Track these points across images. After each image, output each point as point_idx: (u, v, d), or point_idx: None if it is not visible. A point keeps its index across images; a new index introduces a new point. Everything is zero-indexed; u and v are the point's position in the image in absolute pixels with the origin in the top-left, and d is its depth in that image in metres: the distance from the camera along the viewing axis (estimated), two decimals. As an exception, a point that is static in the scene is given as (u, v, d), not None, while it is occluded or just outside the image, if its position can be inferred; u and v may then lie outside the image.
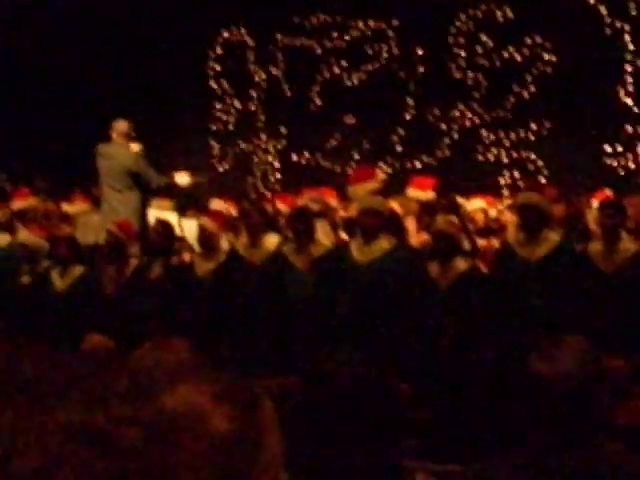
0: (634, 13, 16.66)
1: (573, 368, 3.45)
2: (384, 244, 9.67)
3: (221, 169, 19.05)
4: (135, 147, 12.42)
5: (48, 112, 17.72)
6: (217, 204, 12.77)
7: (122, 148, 12.47)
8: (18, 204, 13.18)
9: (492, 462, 3.58)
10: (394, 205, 11.82)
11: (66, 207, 13.80)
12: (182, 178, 13.07)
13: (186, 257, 11.42)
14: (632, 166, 16.45)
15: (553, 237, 9.69)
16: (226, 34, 19.36)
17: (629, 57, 16.71)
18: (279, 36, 19.03)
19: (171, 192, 13.36)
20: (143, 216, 12.39)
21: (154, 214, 12.41)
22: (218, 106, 19.41)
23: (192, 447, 1.79)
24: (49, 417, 1.14)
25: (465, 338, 8.97)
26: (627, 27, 16.71)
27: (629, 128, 16.60)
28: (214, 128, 19.22)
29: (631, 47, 16.69)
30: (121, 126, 12.48)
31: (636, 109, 16.61)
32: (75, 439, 1.14)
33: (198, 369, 4.05)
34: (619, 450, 3.70)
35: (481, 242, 11.43)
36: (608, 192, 12.81)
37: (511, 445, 3.74)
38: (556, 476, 3.36)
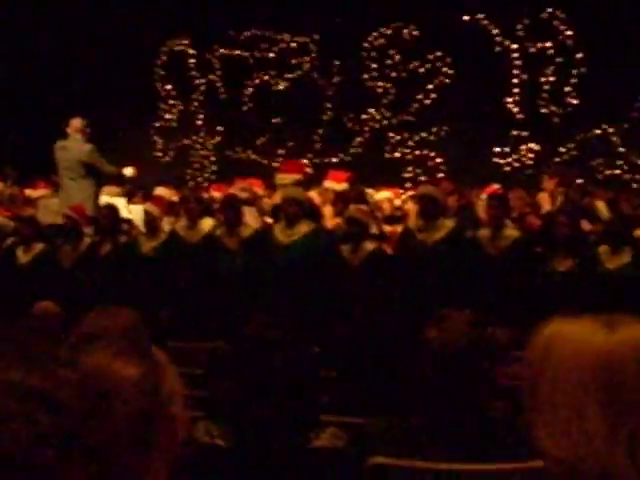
0: (521, 34, 16.89)
1: (460, 336, 3.58)
2: (304, 228, 9.81)
3: (164, 161, 18.93)
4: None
5: (13, 112, 17.71)
6: (160, 191, 12.70)
7: (77, 142, 12.52)
8: (-14, 190, 13.23)
9: (391, 417, 3.72)
10: (313, 195, 11.98)
11: (29, 192, 13.80)
12: (127, 170, 13.13)
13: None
14: (516, 165, 16.69)
15: (448, 224, 9.92)
16: (171, 44, 19.22)
17: (515, 71, 16.91)
18: (216, 47, 18.92)
19: (120, 180, 13.44)
20: (96, 201, 12.43)
21: (105, 199, 12.48)
22: (162, 106, 19.26)
23: (113, 395, 2.12)
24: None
25: (372, 309, 9.08)
26: (514, 46, 16.92)
27: (514, 132, 16.87)
28: (158, 125, 19.09)
29: (517, 62, 16.89)
30: (76, 123, 12.54)
31: (520, 116, 16.85)
32: (18, 396, 1.08)
33: (127, 332, 4.29)
34: (501, 407, 3.80)
35: (387, 227, 11.46)
36: (496, 186, 12.94)
37: (409, 401, 3.86)
38: (447, 429, 3.50)
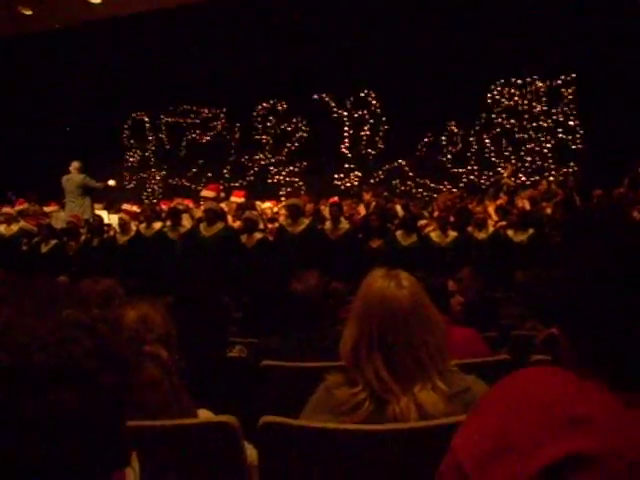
0: (349, 106, 17.01)
1: (313, 286, 3.67)
2: (218, 226, 9.82)
3: (129, 187, 18.64)
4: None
5: (33, 157, 17.37)
6: (127, 206, 12.58)
7: (75, 175, 12.43)
8: (19, 207, 12.94)
9: (277, 337, 3.74)
10: (223, 205, 11.95)
11: (46, 208, 13.52)
12: (111, 182, 13.09)
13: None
14: (347, 185, 16.82)
15: (306, 221, 9.99)
16: (133, 114, 18.91)
17: (346, 128, 17.04)
18: (162, 116, 18.68)
19: (103, 194, 13.34)
20: (91, 212, 12.44)
21: (96, 211, 12.46)
22: (128, 153, 18.97)
23: (125, 331, 2.14)
24: (55, 313, 1.04)
25: (261, 275, 9.10)
26: (345, 113, 17.01)
27: (346, 165, 16.96)
28: (126, 165, 18.79)
29: (347, 123, 17.03)
30: (75, 163, 12.52)
31: (349, 155, 16.94)
32: (75, 326, 1.04)
33: (118, 293, 4.25)
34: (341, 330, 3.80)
35: (269, 224, 11.45)
36: (335, 198, 12.80)
37: (285, 327, 3.81)
38: (310, 343, 3.56)
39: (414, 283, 2.14)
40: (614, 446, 0.97)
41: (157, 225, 10.69)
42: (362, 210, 12.24)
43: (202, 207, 11.14)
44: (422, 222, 10.87)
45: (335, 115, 17.12)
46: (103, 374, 1.03)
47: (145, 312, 2.26)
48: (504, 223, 10.31)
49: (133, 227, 10.97)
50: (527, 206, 11.21)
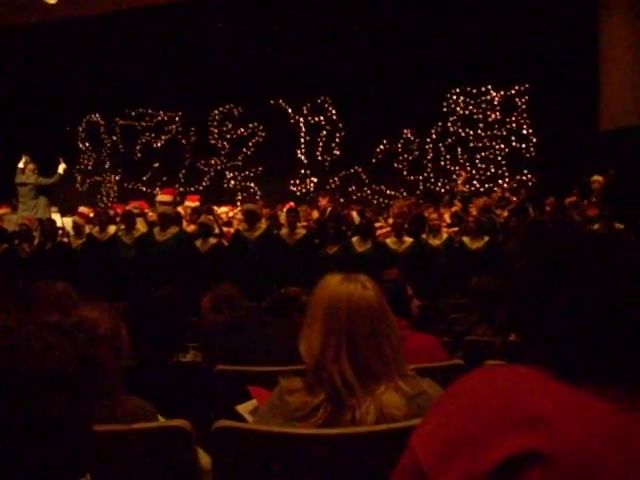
0: (305, 112, 17.06)
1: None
2: (173, 230, 9.77)
3: (81, 190, 18.43)
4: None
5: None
6: (82, 209, 12.47)
7: (29, 177, 12.29)
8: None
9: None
10: (180, 209, 11.90)
11: (-4, 211, 13.31)
12: (61, 168, 12.99)
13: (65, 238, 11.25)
14: (303, 190, 16.87)
15: (262, 226, 9.99)
16: (88, 117, 18.72)
17: (302, 134, 17.07)
18: (117, 119, 18.51)
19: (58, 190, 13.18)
20: (44, 212, 12.34)
21: (51, 214, 12.38)
22: (82, 156, 18.75)
23: (102, 335, 2.11)
24: (37, 318, 1.04)
25: (215, 280, 9.08)
26: (301, 119, 17.09)
27: (302, 171, 17.02)
28: (78, 168, 18.54)
29: (303, 129, 17.06)
30: (30, 166, 12.56)
31: (305, 161, 17.00)
32: (57, 332, 1.03)
33: (79, 297, 4.19)
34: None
35: (225, 229, 11.41)
36: (291, 203, 12.94)
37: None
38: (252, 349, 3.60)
39: (376, 285, 2.16)
40: (567, 444, 1.00)
41: (111, 229, 10.58)
42: (315, 214, 12.26)
43: (156, 212, 11.04)
44: (377, 224, 10.94)
45: (292, 121, 17.16)
46: (83, 381, 1.03)
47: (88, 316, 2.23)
48: (456, 229, 10.42)
49: (87, 230, 10.84)
50: (476, 213, 11.32)
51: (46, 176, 12.98)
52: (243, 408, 2.63)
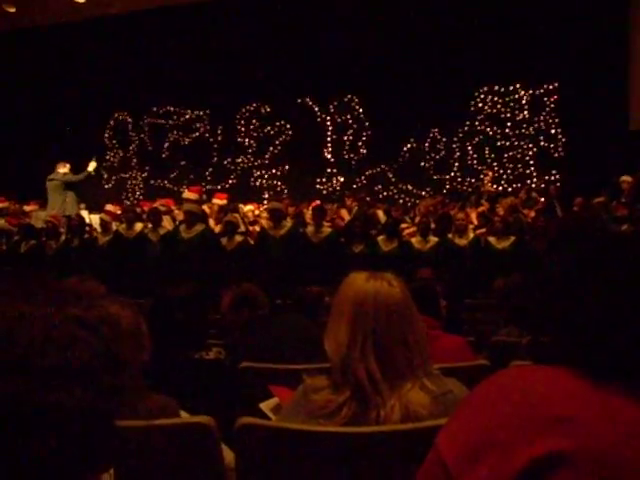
0: (332, 110, 17.04)
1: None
2: (199, 228, 9.80)
3: (109, 187, 18.58)
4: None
5: (14, 155, 17.24)
6: (109, 207, 12.58)
7: (58, 174, 12.42)
8: (-1, 205, 12.89)
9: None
10: (206, 208, 11.94)
11: (26, 207, 13.44)
12: (90, 166, 13.10)
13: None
14: (330, 189, 16.86)
15: (288, 224, 9.99)
16: (116, 114, 18.85)
17: (329, 133, 17.05)
18: (145, 117, 18.61)
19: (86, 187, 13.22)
20: (73, 209, 12.47)
21: (79, 211, 12.51)
22: (110, 153, 18.90)
23: (126, 330, 2.11)
24: (62, 311, 1.02)
25: (242, 279, 9.09)
26: (328, 118, 17.06)
27: (328, 170, 16.99)
28: (105, 164, 18.68)
29: (330, 128, 17.05)
30: (61, 166, 12.56)
31: (332, 160, 16.97)
32: (81, 325, 1.02)
33: (104, 292, 4.21)
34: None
35: (251, 227, 11.46)
36: (317, 202, 12.97)
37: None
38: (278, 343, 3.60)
39: (402, 283, 2.14)
40: (594, 445, 0.99)
41: (138, 226, 10.64)
42: (345, 214, 12.25)
43: (183, 209, 11.09)
44: (403, 225, 10.90)
45: (318, 119, 17.14)
46: (106, 375, 1.03)
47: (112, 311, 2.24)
48: (484, 230, 10.36)
49: (114, 228, 10.92)
50: (503, 213, 11.25)
51: (75, 173, 13.11)
52: (265, 406, 2.63)
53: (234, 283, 5.11)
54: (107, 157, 18.80)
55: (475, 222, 11.05)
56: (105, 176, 18.59)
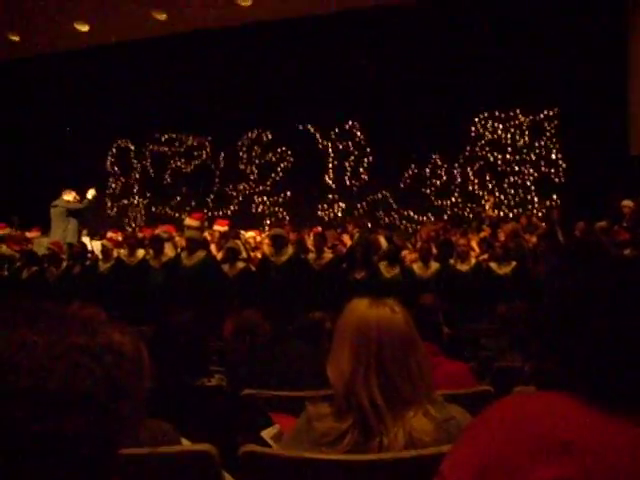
0: (333, 137, 17.12)
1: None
2: (200, 255, 9.81)
3: (111, 214, 18.60)
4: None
5: (16, 181, 17.31)
6: (111, 234, 12.63)
7: (60, 201, 12.48)
8: (1, 232, 12.87)
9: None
10: (207, 235, 11.95)
11: (28, 234, 13.46)
12: (90, 194, 13.10)
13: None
14: (332, 215, 16.87)
15: (289, 251, 9.99)
16: (118, 141, 18.93)
17: (330, 159, 17.11)
18: (148, 144, 18.69)
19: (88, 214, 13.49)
20: (73, 237, 12.46)
21: (81, 237, 12.54)
22: (111, 180, 18.97)
23: (128, 358, 2.11)
24: (65, 338, 1.02)
25: (241, 306, 9.09)
26: (329, 144, 17.13)
27: (330, 196, 17.04)
28: (108, 192, 18.73)
29: (331, 154, 17.10)
30: (67, 193, 12.62)
31: (333, 186, 17.02)
32: (84, 353, 1.02)
33: (106, 319, 4.21)
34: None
35: (252, 253, 11.47)
36: (318, 228, 13.03)
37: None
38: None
39: (404, 309, 2.15)
40: (598, 471, 0.99)
41: (140, 253, 10.65)
42: (347, 240, 12.25)
43: (185, 236, 11.11)
44: (405, 251, 10.91)
45: (320, 146, 17.20)
46: (108, 403, 1.03)
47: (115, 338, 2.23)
48: (486, 256, 10.36)
49: (115, 254, 10.93)
50: (504, 238, 11.25)
51: (76, 201, 13.14)
52: (267, 434, 2.61)
53: (236, 310, 5.11)
54: (109, 184, 18.85)
55: (477, 248, 11.04)
56: (108, 203, 18.64)
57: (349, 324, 2.09)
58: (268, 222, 16.84)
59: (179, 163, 18.52)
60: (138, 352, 2.27)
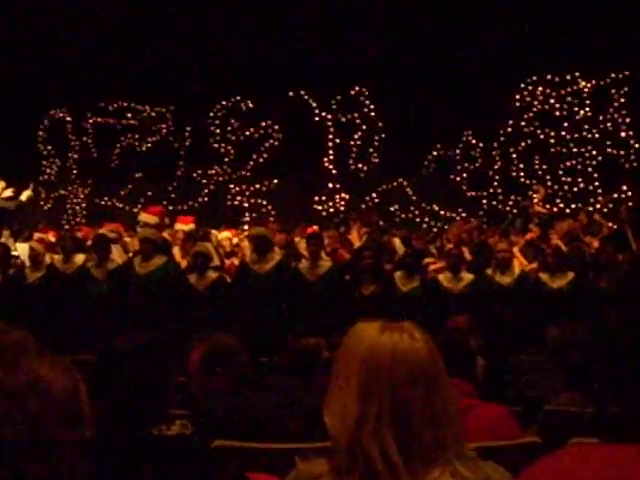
0: (334, 107, 17.09)
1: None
2: (159, 261, 9.82)
3: (45, 208, 18.55)
4: None
5: None
6: (40, 234, 12.58)
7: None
8: None
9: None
10: (168, 235, 11.96)
11: None
12: (24, 195, 13.05)
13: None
14: (331, 210, 16.87)
15: (275, 257, 9.99)
16: (52, 112, 18.88)
17: (330, 136, 17.08)
18: (89, 115, 18.66)
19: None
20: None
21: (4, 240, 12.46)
22: (45, 163, 18.92)
23: (58, 401, 2.10)
24: None
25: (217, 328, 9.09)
26: (329, 116, 17.10)
27: (330, 185, 17.03)
28: (41, 179, 18.68)
29: (331, 130, 17.08)
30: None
31: (334, 171, 17.00)
32: (5, 396, 1.04)
33: (34, 347, 4.21)
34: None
35: (227, 260, 11.48)
36: (315, 228, 13.03)
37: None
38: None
39: (428, 337, 2.11)
40: None
41: (79, 258, 10.64)
42: (352, 242, 12.22)
43: (138, 236, 11.11)
44: (428, 260, 10.90)
45: (317, 118, 17.23)
46: (31, 460, 1.03)
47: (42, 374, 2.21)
48: (535, 265, 10.37)
49: (48, 260, 10.90)
50: (558, 242, 11.26)
51: (6, 197, 13.09)
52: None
53: (205, 334, 5.11)
54: (42, 169, 18.80)
55: (521, 258, 11.05)
56: (42, 194, 18.60)
57: (354, 355, 2.07)
58: (248, 218, 16.83)
59: (131, 140, 18.54)
60: (73, 391, 2.26)
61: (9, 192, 12.91)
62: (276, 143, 17.60)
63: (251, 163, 17.70)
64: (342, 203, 16.91)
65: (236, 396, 4.05)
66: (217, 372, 4.28)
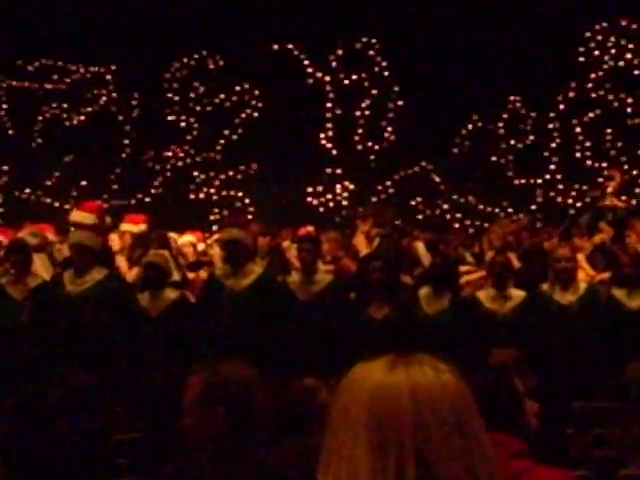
0: (334, 65, 17.12)
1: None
2: (97, 275, 9.77)
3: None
4: None
5: None
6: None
7: None
8: None
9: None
10: (114, 239, 11.96)
11: None
12: None
13: None
14: (331, 205, 16.88)
15: (256, 269, 9.98)
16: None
17: (329, 105, 17.11)
18: (2, 78, 18.64)
19: None
20: None
21: None
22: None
23: None
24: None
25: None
26: (327, 78, 17.12)
27: (328, 170, 17.04)
28: None
29: (331, 95, 17.11)
30: None
31: (335, 152, 17.03)
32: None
33: None
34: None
35: (191, 274, 11.49)
36: (308, 228, 13.08)
37: None
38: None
39: (457, 372, 2.09)
40: None
41: (-12, 272, 10.65)
42: (361, 245, 12.22)
43: (69, 241, 11.09)
44: (462, 268, 10.91)
45: (310, 80, 17.28)
46: None
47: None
48: (606, 277, 10.37)
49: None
50: (638, 246, 11.29)
51: None
52: None
53: (159, 375, 5.12)
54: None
55: (587, 268, 11.05)
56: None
57: (359, 399, 2.05)
58: (218, 217, 16.85)
59: (59, 111, 18.53)
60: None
61: None
62: (255, 114, 17.68)
63: (222, 142, 17.76)
64: (345, 195, 16.94)
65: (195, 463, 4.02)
66: (217, 412, 4.20)
